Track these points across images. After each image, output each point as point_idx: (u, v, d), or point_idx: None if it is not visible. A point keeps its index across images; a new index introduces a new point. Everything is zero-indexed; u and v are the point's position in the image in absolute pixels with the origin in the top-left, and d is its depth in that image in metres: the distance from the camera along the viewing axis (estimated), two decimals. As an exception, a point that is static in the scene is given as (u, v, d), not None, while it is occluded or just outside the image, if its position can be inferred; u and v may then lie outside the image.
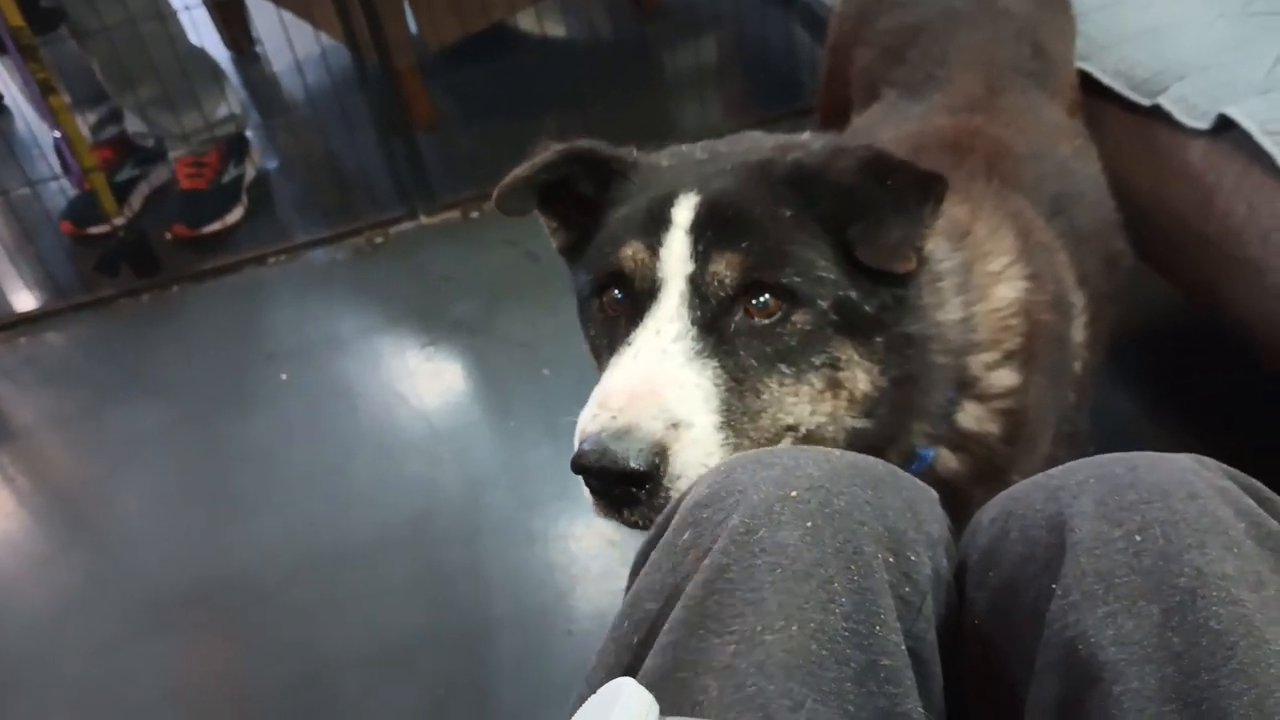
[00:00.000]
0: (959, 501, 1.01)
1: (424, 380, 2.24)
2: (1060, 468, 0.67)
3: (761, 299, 0.91)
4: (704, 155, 1.01)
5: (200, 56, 2.71)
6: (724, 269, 0.91)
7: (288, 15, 2.92)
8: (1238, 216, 1.41)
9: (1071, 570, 0.60)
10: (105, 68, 2.56)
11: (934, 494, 0.72)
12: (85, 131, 2.58)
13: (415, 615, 1.78)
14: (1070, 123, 1.43)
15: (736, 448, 0.89)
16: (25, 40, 2.28)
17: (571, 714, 0.64)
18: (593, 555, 1.81)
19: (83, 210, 2.68)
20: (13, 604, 1.95)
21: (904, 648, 0.62)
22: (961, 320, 1.02)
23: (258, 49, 3.30)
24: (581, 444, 0.86)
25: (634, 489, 0.85)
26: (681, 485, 0.85)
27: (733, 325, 0.91)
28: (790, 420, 0.93)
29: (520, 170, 1.04)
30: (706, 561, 0.63)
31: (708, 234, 0.92)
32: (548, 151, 1.04)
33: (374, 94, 2.69)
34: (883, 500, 0.66)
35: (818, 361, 0.92)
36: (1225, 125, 1.43)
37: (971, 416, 1.06)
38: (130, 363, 2.47)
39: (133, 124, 2.78)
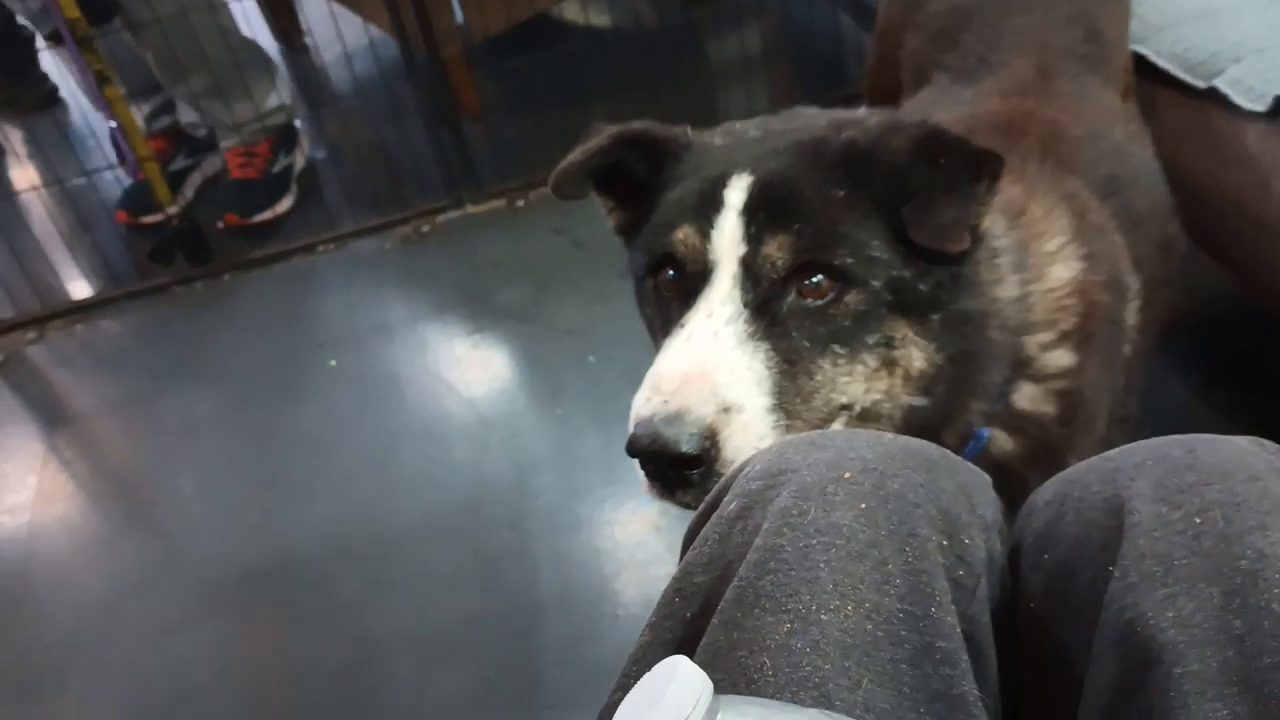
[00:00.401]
0: (1014, 484, 1.00)
1: (471, 367, 2.26)
2: (1117, 450, 0.66)
3: (814, 280, 0.91)
4: (757, 133, 1.00)
5: (251, 47, 2.74)
6: (776, 250, 0.91)
7: (337, 7, 2.95)
8: (1294, 199, 1.39)
9: (1130, 552, 0.59)
10: (159, 58, 2.59)
11: (987, 478, 0.72)
12: (140, 122, 2.62)
13: (464, 599, 1.80)
14: (1124, 106, 1.41)
15: (789, 429, 0.89)
16: (81, 32, 2.31)
17: (621, 688, 0.64)
18: (639, 541, 1.82)
19: (137, 200, 2.72)
20: (69, 587, 1.99)
21: (959, 630, 0.62)
22: (1018, 298, 1.01)
23: (306, 40, 3.33)
24: (635, 428, 0.87)
25: (687, 472, 0.86)
26: (730, 468, 0.83)
27: (785, 307, 0.91)
28: (844, 399, 0.93)
29: (574, 155, 1.04)
30: (759, 541, 0.63)
31: (760, 216, 0.92)
32: (600, 135, 1.04)
33: (421, 84, 2.71)
34: (936, 483, 0.66)
35: (872, 340, 0.92)
36: (1283, 107, 1.41)
37: (1027, 397, 1.05)
38: (184, 349, 2.51)
39: (185, 115, 2.82)
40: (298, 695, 1.74)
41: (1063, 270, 1.06)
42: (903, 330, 0.93)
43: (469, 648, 1.72)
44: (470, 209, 2.67)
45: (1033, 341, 1.04)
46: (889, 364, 0.94)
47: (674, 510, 1.81)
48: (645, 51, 3.01)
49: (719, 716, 0.43)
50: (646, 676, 0.44)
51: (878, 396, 0.94)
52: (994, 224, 1.00)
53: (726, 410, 0.86)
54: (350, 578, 1.88)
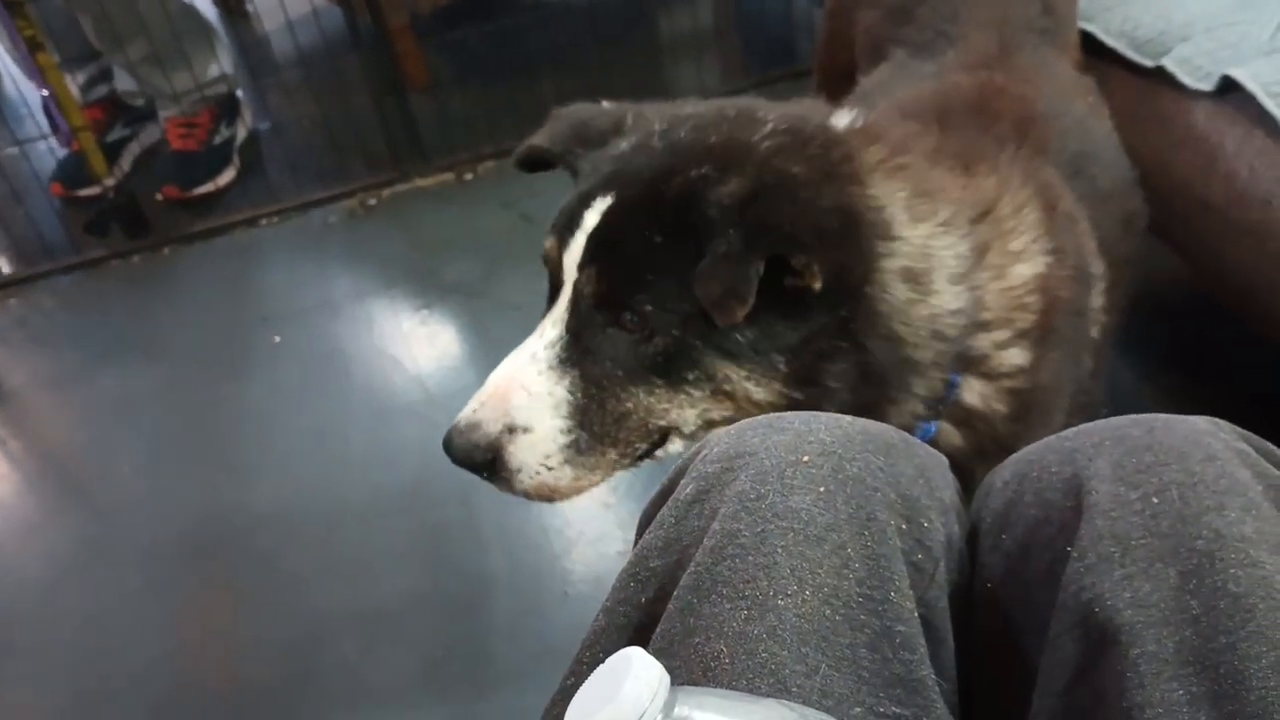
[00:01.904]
0: (961, 476, 1.00)
1: (419, 343, 2.23)
2: (1075, 429, 0.66)
3: (627, 315, 0.95)
4: (658, 140, 1.00)
5: (192, 14, 2.67)
6: (586, 282, 0.96)
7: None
8: (1240, 180, 1.40)
9: (1088, 533, 0.59)
10: (95, 24, 2.52)
11: (945, 460, 0.72)
12: (74, 91, 2.54)
13: (411, 577, 1.78)
14: (1083, 79, 1.41)
15: (596, 447, 0.98)
16: (12, -4, 2.24)
17: (574, 674, 0.63)
18: (588, 518, 1.81)
19: (73, 172, 2.65)
20: (5, 568, 1.94)
21: (917, 614, 0.61)
22: (957, 310, 0.99)
23: (248, 7, 3.26)
24: (449, 429, 0.99)
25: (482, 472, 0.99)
26: (522, 478, 0.99)
27: (601, 334, 0.96)
28: (666, 422, 0.99)
29: (532, 139, 1.09)
30: (715, 526, 0.62)
31: (592, 245, 0.96)
32: (553, 120, 1.09)
33: (367, 54, 2.67)
34: (895, 466, 0.66)
35: (691, 376, 0.95)
36: (1229, 87, 1.41)
37: (977, 393, 1.03)
38: (122, 325, 2.46)
39: (122, 83, 2.74)
40: (242, 674, 1.71)
41: (1026, 268, 1.03)
42: (727, 371, 0.94)
43: (416, 625, 1.70)
44: (417, 182, 2.64)
45: (986, 339, 1.01)
46: (722, 394, 0.96)
47: (623, 488, 1.81)
48: (595, 25, 2.98)
49: (676, 709, 0.42)
50: (600, 669, 0.43)
51: (722, 415, 0.97)
52: (931, 238, 0.98)
53: (512, 430, 0.97)
54: (295, 556, 1.85)
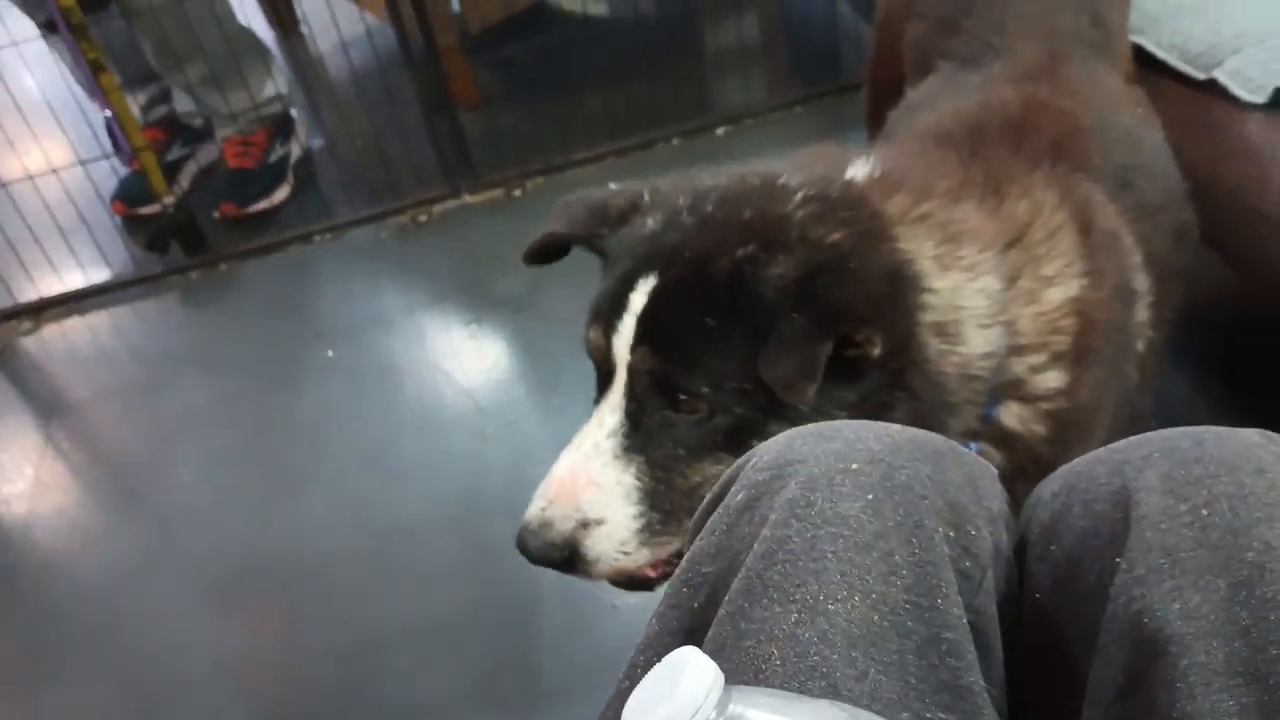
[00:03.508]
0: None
1: (469, 358, 2.26)
2: (1124, 441, 0.66)
3: (683, 397, 0.95)
4: (685, 204, 1.00)
5: (248, 36, 2.73)
6: (643, 367, 0.96)
7: (333, -5, 2.94)
8: (1294, 191, 1.39)
9: (1137, 544, 0.60)
10: (155, 47, 2.58)
11: (993, 470, 0.72)
12: (135, 112, 2.60)
13: (462, 590, 1.80)
14: (1133, 90, 1.40)
15: (670, 524, 0.99)
16: (75, 19, 2.30)
17: (629, 677, 0.65)
18: (638, 532, 1.82)
19: (134, 190, 2.70)
20: (67, 576, 1.99)
21: (965, 621, 0.62)
22: (987, 353, 0.99)
23: (302, 29, 3.32)
24: (520, 528, 1.00)
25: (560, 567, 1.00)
26: (600, 568, 1.00)
27: (660, 418, 0.97)
28: None
29: (547, 228, 1.11)
30: (766, 532, 0.63)
31: (643, 326, 0.96)
32: (563, 207, 1.12)
33: (418, 73, 2.70)
34: (944, 475, 0.66)
35: (756, 444, 0.96)
36: (1283, 99, 1.41)
37: (1015, 416, 1.03)
38: (181, 339, 2.51)
39: (180, 103, 2.80)
40: (295, 684, 1.74)
41: (1058, 292, 1.03)
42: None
43: (467, 638, 1.72)
44: (467, 199, 2.67)
45: (1022, 364, 1.01)
46: None
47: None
48: (642, 41, 3.00)
49: (730, 707, 0.43)
50: (657, 668, 0.44)
51: None
52: (959, 286, 0.98)
53: (585, 525, 0.98)
54: (348, 567, 1.88)
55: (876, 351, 0.91)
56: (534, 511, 1.00)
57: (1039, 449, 1.04)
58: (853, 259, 0.92)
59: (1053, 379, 1.02)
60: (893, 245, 0.96)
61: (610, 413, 0.99)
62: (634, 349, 0.96)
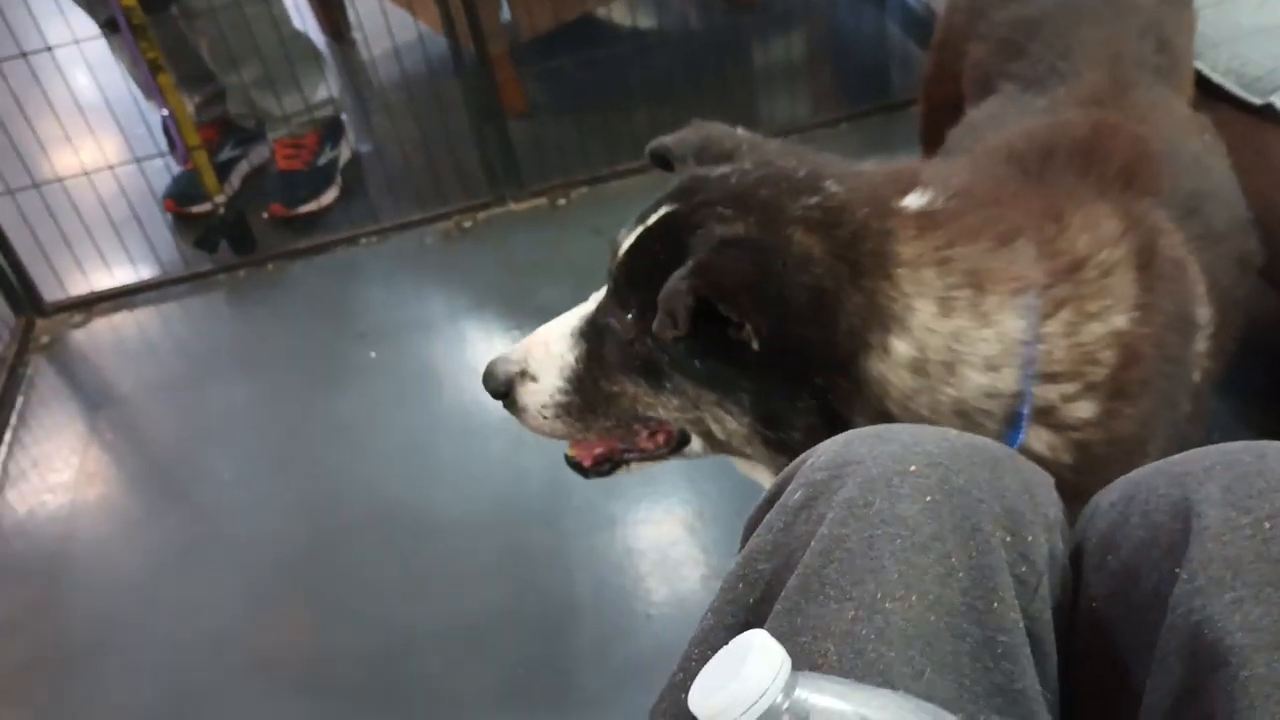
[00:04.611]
0: None
1: (510, 363, 2.26)
2: (1184, 454, 0.66)
3: (628, 314, 1.04)
4: (750, 165, 1.07)
5: (303, 40, 2.77)
6: (617, 274, 1.07)
7: (388, 3, 2.98)
8: (1349, 220, 1.37)
9: (1198, 555, 0.59)
10: (211, 48, 2.62)
11: (1050, 478, 0.72)
12: (190, 111, 2.64)
13: (497, 594, 1.80)
14: (1198, 116, 1.39)
15: (588, 415, 1.12)
16: (136, 19, 2.34)
17: (683, 669, 0.65)
18: (672, 541, 1.82)
19: (186, 189, 2.75)
20: (109, 565, 2.01)
21: (1021, 626, 0.62)
22: (995, 393, 0.98)
23: (354, 34, 3.36)
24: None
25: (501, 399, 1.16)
26: (526, 418, 1.15)
27: (608, 324, 1.08)
28: (652, 414, 1.09)
29: (665, 138, 1.19)
30: (823, 531, 0.63)
31: (634, 244, 1.06)
32: (691, 127, 1.18)
33: (468, 81, 2.73)
34: (1001, 481, 0.66)
35: (667, 386, 1.05)
36: (1341, 126, 1.40)
37: (1044, 443, 1.01)
38: (226, 337, 2.54)
39: (233, 105, 2.84)
40: (328, 681, 1.75)
41: (1100, 326, 1.00)
42: (699, 392, 1.03)
43: (499, 642, 1.73)
44: (512, 206, 2.69)
45: (1054, 391, 0.99)
46: (701, 412, 1.04)
47: (709, 513, 1.82)
48: (690, 55, 3.02)
49: (797, 691, 0.43)
50: (723, 650, 0.45)
51: (717, 431, 1.05)
52: (962, 331, 0.97)
53: (523, 375, 1.13)
54: (383, 567, 1.89)
55: (754, 345, 0.95)
56: (506, 349, 1.16)
57: (1066, 477, 1.02)
58: (788, 258, 0.94)
59: (1084, 409, 1.01)
60: (872, 282, 0.96)
61: (591, 304, 1.12)
62: (620, 255, 1.06)
